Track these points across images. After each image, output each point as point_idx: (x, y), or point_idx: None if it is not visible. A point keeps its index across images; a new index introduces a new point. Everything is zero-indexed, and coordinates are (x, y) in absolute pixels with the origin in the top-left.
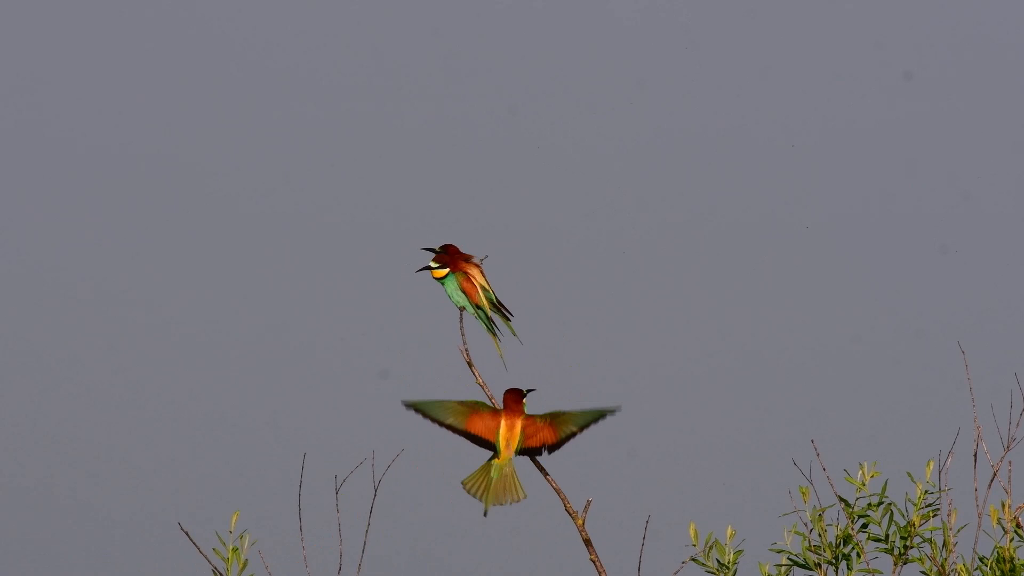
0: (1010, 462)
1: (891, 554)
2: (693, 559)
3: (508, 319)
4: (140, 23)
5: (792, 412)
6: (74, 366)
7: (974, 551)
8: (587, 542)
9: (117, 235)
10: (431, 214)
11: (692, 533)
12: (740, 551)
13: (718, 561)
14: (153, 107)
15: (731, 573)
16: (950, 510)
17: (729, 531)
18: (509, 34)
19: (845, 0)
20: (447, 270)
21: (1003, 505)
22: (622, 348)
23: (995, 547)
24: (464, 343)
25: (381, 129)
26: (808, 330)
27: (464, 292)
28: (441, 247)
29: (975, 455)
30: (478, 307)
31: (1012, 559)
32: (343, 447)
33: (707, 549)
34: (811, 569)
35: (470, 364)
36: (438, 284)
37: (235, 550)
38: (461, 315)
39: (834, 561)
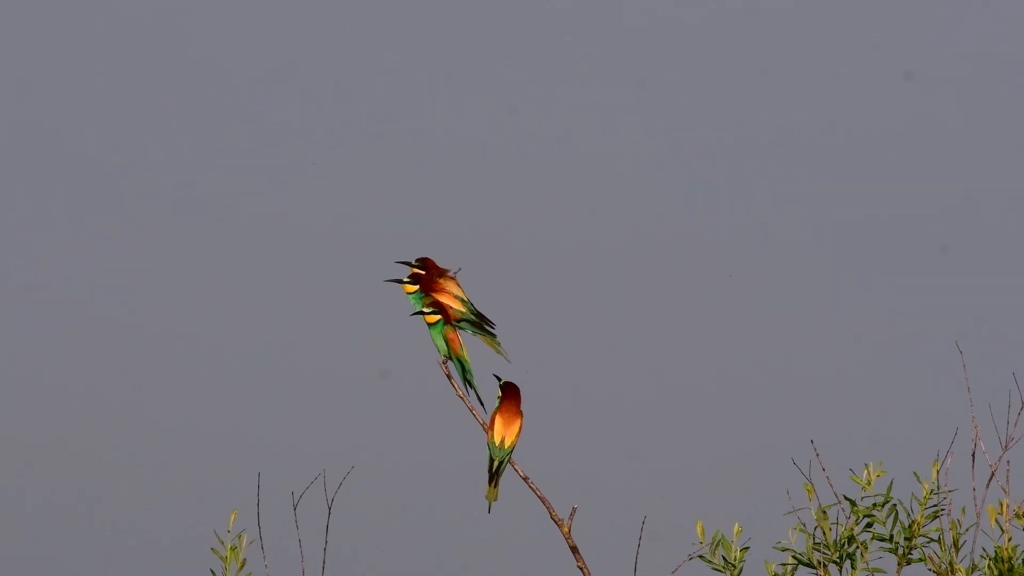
0: (1008, 462)
1: (895, 554)
2: (700, 556)
3: (493, 335)
4: (136, 24)
5: (791, 412)
6: (72, 375)
7: (972, 550)
8: (574, 549)
9: (98, 243)
10: (430, 215)
11: (699, 531)
12: (747, 548)
13: (724, 559)
14: (145, 108)
15: (737, 571)
16: (960, 509)
17: (736, 528)
18: (509, 34)
19: (845, 0)
20: (416, 287)
21: (1001, 505)
22: (623, 348)
23: (994, 547)
24: (442, 356)
25: (380, 129)
26: (808, 330)
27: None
28: (418, 260)
29: (973, 455)
30: (457, 322)
31: (1011, 559)
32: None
33: (713, 547)
34: (815, 568)
35: (449, 377)
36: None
37: (233, 549)
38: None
39: (838, 560)
